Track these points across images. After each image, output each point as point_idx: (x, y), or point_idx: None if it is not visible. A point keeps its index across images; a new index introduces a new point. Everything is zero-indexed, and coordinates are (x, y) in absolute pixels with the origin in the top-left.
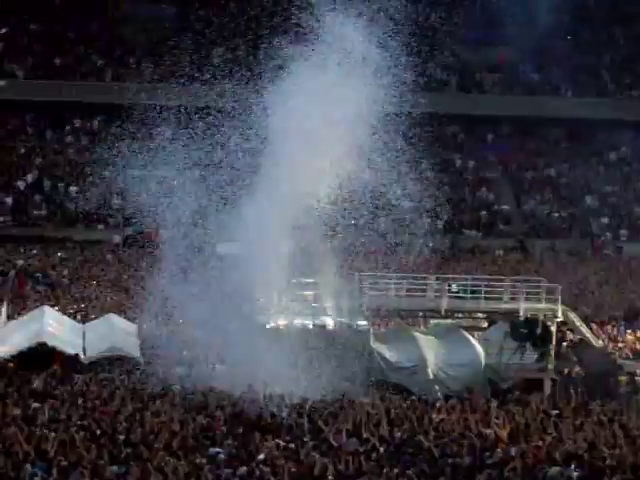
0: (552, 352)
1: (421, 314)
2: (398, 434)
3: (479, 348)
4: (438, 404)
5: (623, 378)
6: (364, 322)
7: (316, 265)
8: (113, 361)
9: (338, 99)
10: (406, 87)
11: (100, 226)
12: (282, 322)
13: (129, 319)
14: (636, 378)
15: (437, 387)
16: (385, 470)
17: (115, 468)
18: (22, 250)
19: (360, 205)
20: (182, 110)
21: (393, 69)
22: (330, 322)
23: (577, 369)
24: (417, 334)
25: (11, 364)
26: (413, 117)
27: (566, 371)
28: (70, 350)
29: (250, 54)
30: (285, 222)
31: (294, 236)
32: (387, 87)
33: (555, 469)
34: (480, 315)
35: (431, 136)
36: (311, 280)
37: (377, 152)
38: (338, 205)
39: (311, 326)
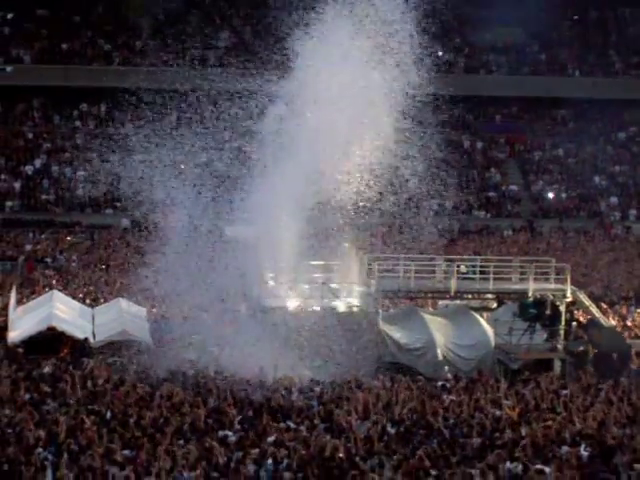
0: (561, 332)
1: (430, 295)
2: (408, 415)
3: (488, 329)
4: (448, 385)
5: (633, 357)
6: (373, 303)
7: (325, 247)
8: (123, 345)
9: (345, 82)
10: (413, 69)
11: (108, 210)
12: (292, 305)
13: (138, 303)
14: None
15: (446, 368)
16: (395, 451)
17: (126, 452)
18: (31, 235)
19: (369, 186)
20: (189, 93)
21: (400, 51)
22: (340, 304)
23: (587, 348)
24: (426, 315)
25: (21, 349)
26: (421, 98)
27: (576, 351)
28: (80, 334)
29: (257, 37)
30: (295, 204)
31: (303, 218)
32: (394, 69)
33: (565, 449)
34: (489, 296)
35: (439, 117)
36: (320, 262)
37: (385, 133)
38: (347, 187)
39: (321, 309)
